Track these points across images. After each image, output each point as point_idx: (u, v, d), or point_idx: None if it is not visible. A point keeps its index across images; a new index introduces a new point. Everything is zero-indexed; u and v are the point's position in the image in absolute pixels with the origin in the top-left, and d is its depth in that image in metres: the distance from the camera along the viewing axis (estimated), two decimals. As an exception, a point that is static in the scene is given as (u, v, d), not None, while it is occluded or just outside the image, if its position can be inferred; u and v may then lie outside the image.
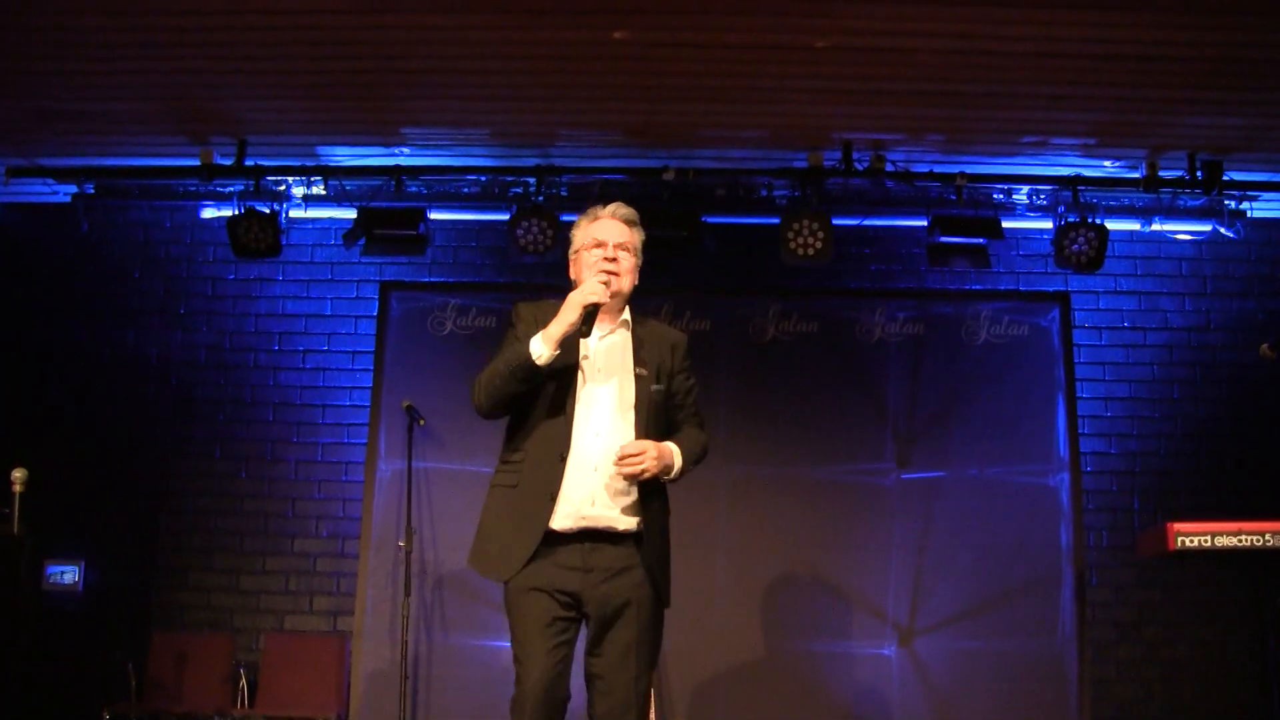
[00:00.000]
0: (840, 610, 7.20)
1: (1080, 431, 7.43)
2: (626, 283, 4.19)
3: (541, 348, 3.98)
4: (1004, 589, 7.18)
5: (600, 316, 4.15)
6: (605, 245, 4.18)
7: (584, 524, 4.01)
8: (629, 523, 4.05)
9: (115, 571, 7.65)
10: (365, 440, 7.50)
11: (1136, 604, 7.51)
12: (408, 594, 6.93)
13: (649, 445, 4.02)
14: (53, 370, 7.91)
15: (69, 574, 7.58)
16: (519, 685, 3.96)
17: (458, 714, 7.05)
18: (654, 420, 4.15)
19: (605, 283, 4.06)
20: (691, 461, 4.20)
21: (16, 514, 5.64)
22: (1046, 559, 7.22)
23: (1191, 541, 5.66)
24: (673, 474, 4.13)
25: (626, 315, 4.27)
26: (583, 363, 4.13)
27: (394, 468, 7.32)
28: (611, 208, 4.28)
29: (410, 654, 6.97)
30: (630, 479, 4.01)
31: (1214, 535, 5.67)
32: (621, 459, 3.98)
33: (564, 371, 4.09)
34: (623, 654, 4.04)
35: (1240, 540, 5.66)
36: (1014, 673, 7.08)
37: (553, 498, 3.99)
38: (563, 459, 4.02)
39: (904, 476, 7.34)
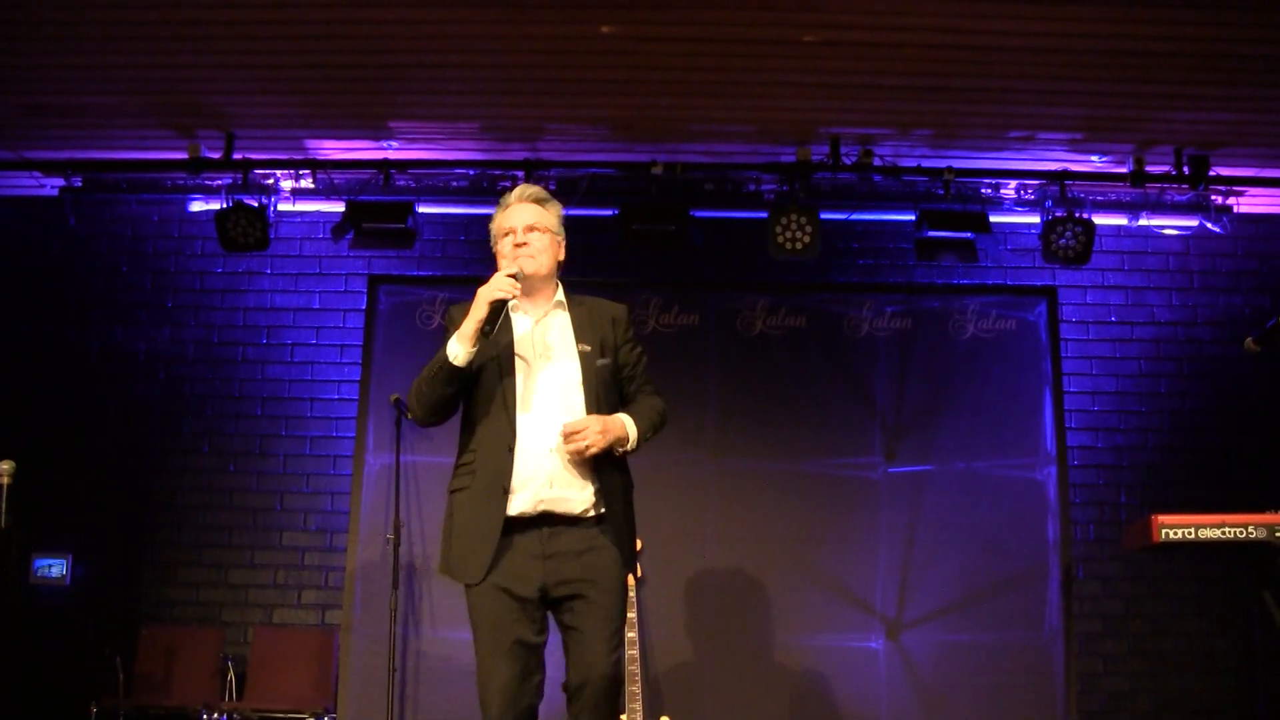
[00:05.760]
0: (828, 604, 7.20)
1: (1067, 425, 7.46)
2: (545, 261, 4.04)
3: (457, 348, 3.86)
4: (991, 582, 7.19)
5: (533, 298, 4.05)
6: (515, 231, 4.03)
7: (543, 507, 3.87)
8: (588, 502, 3.91)
9: (103, 565, 7.64)
10: (353, 434, 7.49)
11: (1123, 597, 7.54)
12: (395, 587, 6.92)
13: (590, 420, 3.88)
14: (41, 364, 7.88)
15: (56, 567, 7.57)
16: (482, 689, 3.87)
17: (445, 707, 7.04)
18: (605, 396, 4.01)
19: (514, 275, 3.89)
20: (649, 429, 4.06)
21: (4, 507, 5.60)
22: (1033, 552, 7.23)
23: (1175, 534, 5.62)
24: (630, 444, 3.98)
25: (560, 296, 4.12)
26: (521, 349, 3.99)
27: (382, 462, 7.31)
28: (517, 191, 4.15)
29: (398, 647, 6.97)
30: (578, 456, 3.86)
31: (1197, 528, 5.62)
32: (566, 437, 3.84)
33: (502, 362, 3.96)
34: (594, 619, 3.88)
35: (1223, 533, 5.62)
36: (1001, 666, 7.10)
37: (506, 491, 3.85)
38: (510, 450, 3.87)
39: (891, 470, 7.35)
